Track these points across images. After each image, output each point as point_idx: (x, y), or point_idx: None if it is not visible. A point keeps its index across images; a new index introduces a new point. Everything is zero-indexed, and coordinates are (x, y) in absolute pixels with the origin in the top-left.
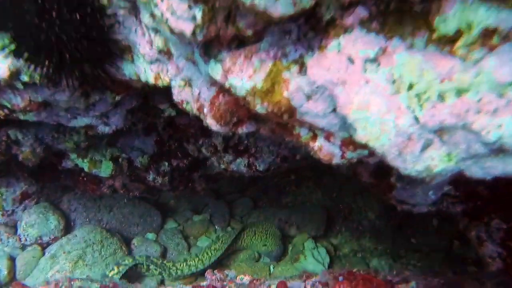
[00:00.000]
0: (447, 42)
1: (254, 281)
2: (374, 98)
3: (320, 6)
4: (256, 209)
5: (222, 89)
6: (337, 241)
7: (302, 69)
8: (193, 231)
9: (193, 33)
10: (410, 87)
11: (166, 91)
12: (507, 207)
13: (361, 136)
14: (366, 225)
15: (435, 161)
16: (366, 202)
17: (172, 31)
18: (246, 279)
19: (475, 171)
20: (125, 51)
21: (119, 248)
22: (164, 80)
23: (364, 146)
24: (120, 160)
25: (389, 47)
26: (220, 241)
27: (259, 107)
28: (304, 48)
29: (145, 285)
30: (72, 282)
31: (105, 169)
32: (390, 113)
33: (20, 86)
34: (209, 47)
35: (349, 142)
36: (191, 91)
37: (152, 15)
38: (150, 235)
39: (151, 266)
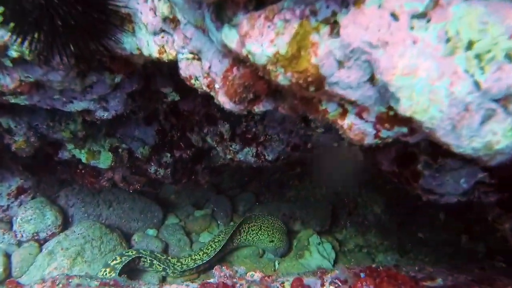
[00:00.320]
0: None
1: (266, 278)
2: (422, 61)
3: None
4: (258, 204)
5: (237, 60)
6: (341, 236)
7: (334, 29)
8: (195, 227)
9: None
10: (469, 46)
11: (170, 72)
12: None
13: (405, 107)
14: (371, 219)
15: (498, 136)
16: (371, 196)
17: None
18: (257, 275)
19: None
20: (125, 20)
21: (119, 245)
22: (169, 54)
23: (406, 121)
24: (120, 150)
25: None
26: (223, 233)
27: (282, 78)
28: (337, 4)
29: (146, 282)
30: (70, 280)
31: (104, 160)
32: (442, 79)
33: (8, 63)
34: (222, 9)
35: (386, 118)
36: (201, 65)
37: None
38: (151, 231)
39: (155, 262)
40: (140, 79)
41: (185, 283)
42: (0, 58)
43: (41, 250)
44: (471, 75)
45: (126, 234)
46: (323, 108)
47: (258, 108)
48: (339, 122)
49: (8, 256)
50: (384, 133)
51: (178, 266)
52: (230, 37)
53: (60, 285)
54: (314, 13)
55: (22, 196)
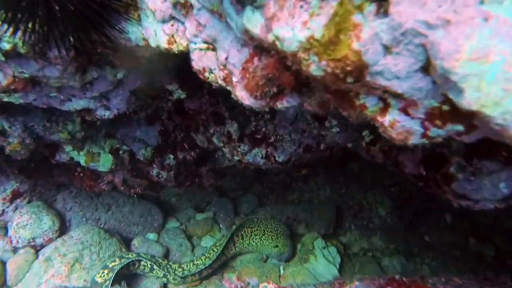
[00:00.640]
0: None
1: None
2: (496, 43)
3: None
4: (261, 207)
5: (259, 49)
6: (346, 239)
7: (381, 8)
8: (197, 231)
9: None
10: None
11: (175, 68)
12: None
13: (470, 100)
14: (376, 222)
15: None
16: (376, 198)
17: None
18: (270, 287)
19: None
20: (130, 7)
21: (119, 250)
22: (180, 44)
23: (466, 117)
24: (120, 152)
25: None
26: (225, 237)
27: (314, 68)
28: None
29: None
30: None
31: (104, 163)
32: None
33: (0, 57)
34: None
35: (438, 114)
36: (216, 56)
37: None
38: (151, 235)
39: (155, 267)
40: (144, 75)
41: None
42: None
43: (37, 257)
44: None
45: (126, 239)
46: (360, 103)
47: (281, 104)
48: (379, 119)
49: (3, 263)
50: (433, 132)
51: (179, 272)
52: (253, 21)
53: None
54: None
55: (18, 200)
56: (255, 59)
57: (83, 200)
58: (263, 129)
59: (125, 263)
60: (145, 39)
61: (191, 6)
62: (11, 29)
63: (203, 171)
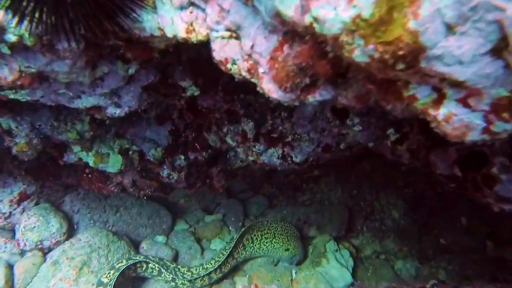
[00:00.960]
0: None
1: None
2: None
3: None
4: (271, 208)
5: (291, 35)
6: (358, 242)
7: None
8: (206, 233)
9: None
10: None
11: (189, 62)
12: None
13: None
14: (389, 224)
15: None
16: (389, 199)
17: None
18: None
19: None
20: None
21: (127, 253)
22: (199, 33)
23: None
24: (130, 153)
25: None
26: (233, 240)
27: (359, 53)
28: None
29: None
30: None
31: (114, 164)
32: None
33: (6, 50)
34: None
35: (506, 105)
36: (240, 44)
37: None
38: (160, 238)
39: (163, 270)
40: (157, 70)
41: None
42: None
43: (45, 260)
44: None
45: (134, 242)
46: (409, 94)
47: (314, 97)
48: (431, 112)
49: (10, 266)
50: (498, 126)
51: (188, 275)
52: (287, 1)
53: None
54: None
55: (25, 202)
56: (285, 47)
57: (90, 202)
58: (280, 127)
59: (131, 263)
60: (160, 29)
61: None
62: (16, 19)
63: (214, 172)
